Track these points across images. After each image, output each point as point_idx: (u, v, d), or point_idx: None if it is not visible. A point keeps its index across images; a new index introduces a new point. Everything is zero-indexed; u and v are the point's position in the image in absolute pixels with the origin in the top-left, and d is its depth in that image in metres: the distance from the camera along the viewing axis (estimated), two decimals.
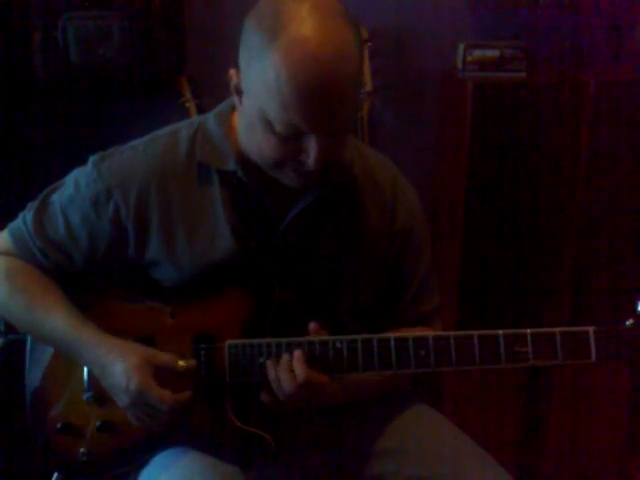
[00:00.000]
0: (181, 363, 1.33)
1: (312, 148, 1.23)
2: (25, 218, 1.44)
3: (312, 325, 1.32)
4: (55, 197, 1.43)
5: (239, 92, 1.29)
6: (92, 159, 1.42)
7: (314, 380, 1.29)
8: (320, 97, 1.18)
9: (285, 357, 1.31)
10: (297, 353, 1.30)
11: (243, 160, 1.35)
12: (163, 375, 1.32)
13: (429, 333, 1.33)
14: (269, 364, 1.31)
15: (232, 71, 1.29)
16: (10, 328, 1.87)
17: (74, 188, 1.41)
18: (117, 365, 1.32)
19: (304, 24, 1.17)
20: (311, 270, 1.41)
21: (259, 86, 1.21)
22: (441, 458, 1.41)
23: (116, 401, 1.35)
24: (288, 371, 1.29)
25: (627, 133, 2.28)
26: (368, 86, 2.40)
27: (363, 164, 1.45)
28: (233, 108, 1.39)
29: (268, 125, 1.23)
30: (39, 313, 1.40)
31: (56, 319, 1.38)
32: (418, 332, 1.40)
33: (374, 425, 1.48)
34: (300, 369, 1.29)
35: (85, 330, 1.37)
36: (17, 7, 2.22)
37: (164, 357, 1.33)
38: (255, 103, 1.24)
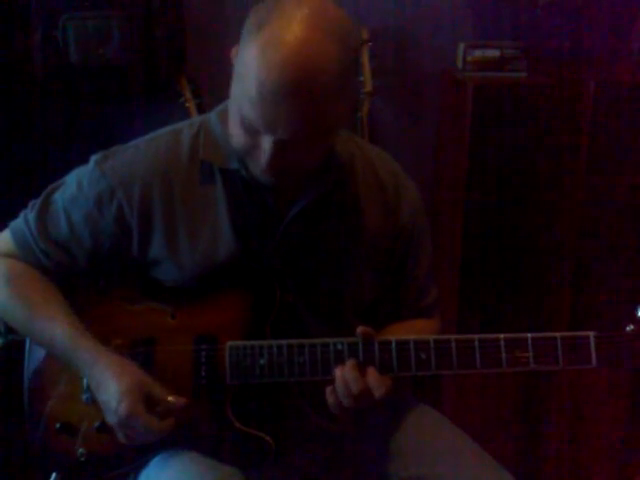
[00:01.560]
0: (171, 399, 1.32)
1: (265, 149, 1.22)
2: (27, 218, 1.43)
3: (361, 328, 1.31)
4: (57, 196, 1.43)
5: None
6: (94, 158, 1.42)
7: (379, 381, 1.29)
8: (278, 101, 1.16)
9: (351, 360, 1.30)
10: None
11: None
12: (160, 375, 1.32)
13: (430, 336, 1.33)
14: (337, 370, 1.30)
15: (234, 50, 1.27)
16: (10, 329, 1.87)
17: (76, 187, 1.41)
18: (110, 385, 1.31)
19: (288, 26, 1.16)
20: (314, 268, 1.41)
21: (239, 72, 1.22)
22: (441, 458, 1.41)
23: (105, 417, 1.34)
24: (356, 371, 1.29)
25: (627, 133, 2.28)
26: (368, 86, 2.39)
27: (364, 160, 1.45)
28: None
29: (238, 112, 1.23)
30: (39, 322, 1.39)
31: (55, 330, 1.37)
32: (420, 326, 1.44)
33: (374, 426, 1.48)
34: (371, 372, 1.29)
35: (83, 344, 1.36)
36: (17, 7, 2.21)
37: (156, 389, 1.32)
38: (235, 87, 1.24)
